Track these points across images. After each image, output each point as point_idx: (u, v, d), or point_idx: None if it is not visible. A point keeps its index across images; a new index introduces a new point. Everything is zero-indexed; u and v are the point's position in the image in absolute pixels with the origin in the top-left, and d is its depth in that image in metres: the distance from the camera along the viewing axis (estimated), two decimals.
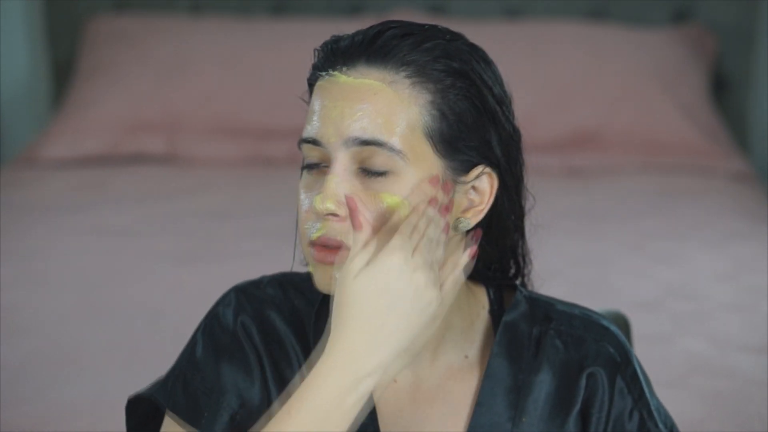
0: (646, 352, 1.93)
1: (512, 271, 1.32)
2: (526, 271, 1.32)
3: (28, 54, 4.05)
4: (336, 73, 1.18)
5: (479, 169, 1.20)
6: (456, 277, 1.18)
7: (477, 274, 1.27)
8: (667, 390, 1.68)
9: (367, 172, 1.16)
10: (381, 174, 1.16)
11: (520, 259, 1.31)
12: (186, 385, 1.24)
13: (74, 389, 2.11)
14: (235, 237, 2.94)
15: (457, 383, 1.25)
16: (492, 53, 1.23)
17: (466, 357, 1.26)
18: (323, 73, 1.19)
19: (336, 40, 1.21)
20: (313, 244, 1.17)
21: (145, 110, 3.61)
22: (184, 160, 3.56)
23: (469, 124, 1.18)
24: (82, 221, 3.05)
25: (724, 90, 3.96)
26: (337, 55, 1.19)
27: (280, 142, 3.53)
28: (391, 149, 1.15)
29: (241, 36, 3.75)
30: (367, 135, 1.15)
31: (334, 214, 1.15)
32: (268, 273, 1.32)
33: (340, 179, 1.15)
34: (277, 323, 1.26)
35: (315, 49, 1.22)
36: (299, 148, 1.19)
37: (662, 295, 2.58)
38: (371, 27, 1.20)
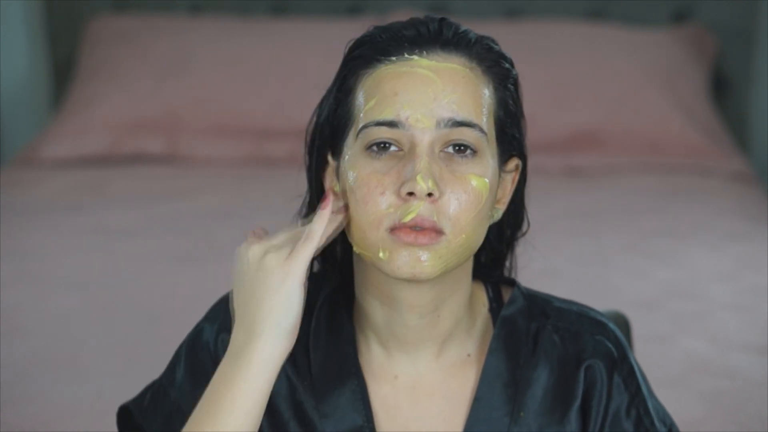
0: (646, 352, 1.93)
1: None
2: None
3: (28, 54, 4.04)
4: (414, 57, 1.17)
5: (515, 160, 1.23)
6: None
7: (476, 272, 1.27)
8: (667, 390, 1.68)
9: (452, 155, 1.16)
10: (467, 156, 1.16)
11: (506, 271, 1.32)
12: (162, 403, 1.25)
13: (74, 389, 2.10)
14: (235, 237, 2.92)
15: (456, 380, 1.25)
16: None
17: (469, 355, 1.26)
18: (394, 58, 1.17)
19: (389, 30, 1.19)
20: (399, 227, 1.14)
21: (145, 110, 3.61)
22: (184, 160, 3.55)
23: (512, 114, 1.22)
24: (82, 221, 3.05)
25: (724, 90, 3.96)
26: (405, 42, 1.17)
27: (280, 142, 3.52)
28: (481, 131, 1.17)
29: (241, 36, 3.74)
30: (461, 116, 1.16)
31: (430, 194, 1.14)
32: None
33: (429, 160, 1.14)
34: None
35: (358, 40, 1.21)
36: (358, 133, 1.17)
37: (662, 295, 2.58)
38: (421, 19, 1.20)
